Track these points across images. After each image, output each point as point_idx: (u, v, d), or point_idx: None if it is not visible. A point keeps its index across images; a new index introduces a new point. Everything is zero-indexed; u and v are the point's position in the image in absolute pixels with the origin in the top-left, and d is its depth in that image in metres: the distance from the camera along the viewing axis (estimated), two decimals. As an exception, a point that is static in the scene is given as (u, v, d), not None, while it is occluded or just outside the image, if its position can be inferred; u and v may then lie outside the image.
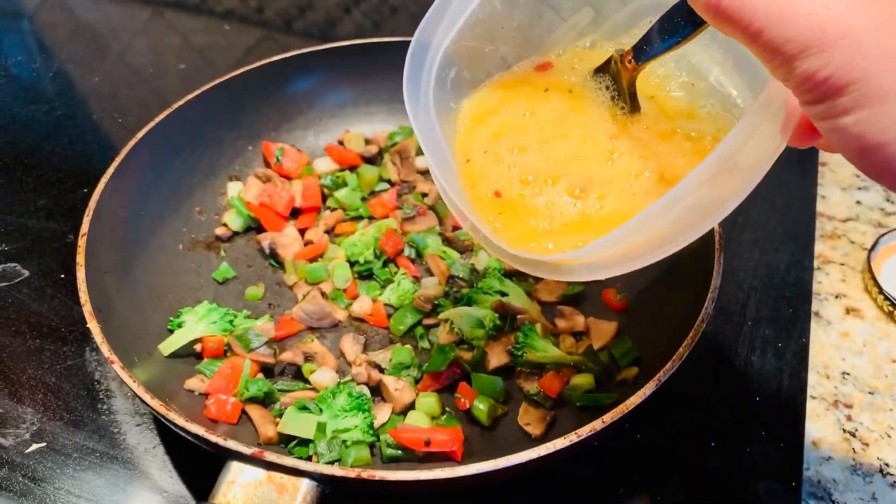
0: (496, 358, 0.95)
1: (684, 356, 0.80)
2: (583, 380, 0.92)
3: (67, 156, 1.32)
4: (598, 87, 0.77)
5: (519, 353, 0.93)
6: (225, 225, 1.14)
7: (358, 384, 0.93)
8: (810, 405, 0.96)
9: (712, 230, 0.91)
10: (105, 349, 0.81)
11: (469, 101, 0.81)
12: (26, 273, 1.10)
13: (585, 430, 0.73)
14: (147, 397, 0.77)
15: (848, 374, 1.00)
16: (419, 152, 1.25)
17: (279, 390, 0.93)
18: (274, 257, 1.10)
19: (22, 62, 1.60)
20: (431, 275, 1.08)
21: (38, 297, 1.07)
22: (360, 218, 1.17)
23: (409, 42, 1.26)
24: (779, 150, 0.60)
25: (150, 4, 1.79)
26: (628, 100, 0.75)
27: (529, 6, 0.81)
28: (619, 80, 0.75)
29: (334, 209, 1.17)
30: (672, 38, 0.66)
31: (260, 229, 1.15)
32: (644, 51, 0.70)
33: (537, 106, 0.78)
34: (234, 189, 1.17)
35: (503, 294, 1.01)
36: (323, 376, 0.94)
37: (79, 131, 1.38)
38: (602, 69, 0.77)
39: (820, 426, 0.94)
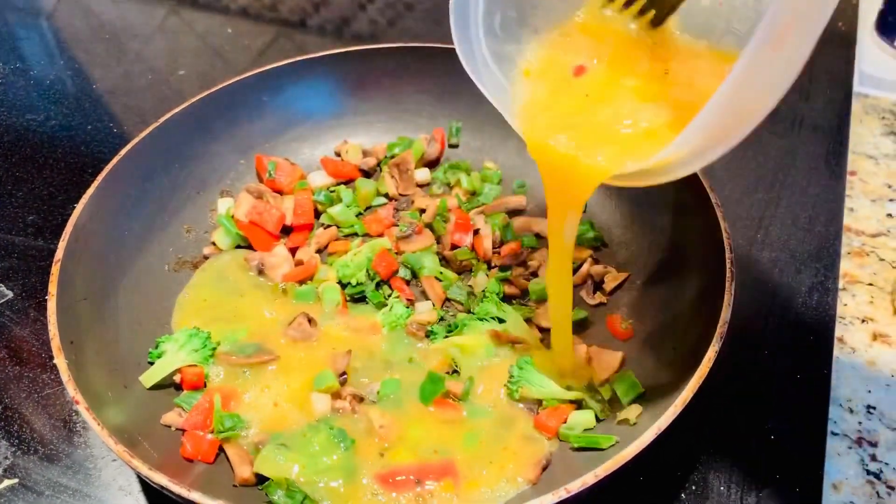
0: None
1: (689, 399, 0.74)
2: (582, 417, 0.85)
3: (60, 168, 1.29)
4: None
5: (514, 389, 0.87)
6: (214, 244, 1.09)
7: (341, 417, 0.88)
8: (831, 443, 0.89)
9: (723, 258, 0.84)
10: (71, 388, 0.76)
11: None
12: (10, 294, 1.07)
13: (577, 486, 0.68)
14: (111, 442, 0.72)
15: (873, 408, 0.93)
16: (418, 165, 1.19)
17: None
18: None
19: (39, 62, 1.58)
20: (426, 298, 1.02)
21: (21, 319, 1.04)
22: (354, 235, 1.11)
23: (409, 48, 1.22)
24: None
25: (166, 2, 1.76)
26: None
27: None
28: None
29: (328, 226, 1.12)
30: None
31: (251, 247, 1.10)
32: None
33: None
34: (223, 206, 1.12)
35: (500, 320, 0.95)
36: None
37: (73, 143, 1.34)
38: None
39: (841, 466, 0.87)
